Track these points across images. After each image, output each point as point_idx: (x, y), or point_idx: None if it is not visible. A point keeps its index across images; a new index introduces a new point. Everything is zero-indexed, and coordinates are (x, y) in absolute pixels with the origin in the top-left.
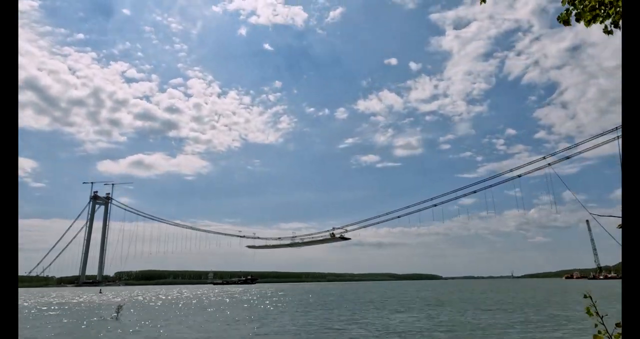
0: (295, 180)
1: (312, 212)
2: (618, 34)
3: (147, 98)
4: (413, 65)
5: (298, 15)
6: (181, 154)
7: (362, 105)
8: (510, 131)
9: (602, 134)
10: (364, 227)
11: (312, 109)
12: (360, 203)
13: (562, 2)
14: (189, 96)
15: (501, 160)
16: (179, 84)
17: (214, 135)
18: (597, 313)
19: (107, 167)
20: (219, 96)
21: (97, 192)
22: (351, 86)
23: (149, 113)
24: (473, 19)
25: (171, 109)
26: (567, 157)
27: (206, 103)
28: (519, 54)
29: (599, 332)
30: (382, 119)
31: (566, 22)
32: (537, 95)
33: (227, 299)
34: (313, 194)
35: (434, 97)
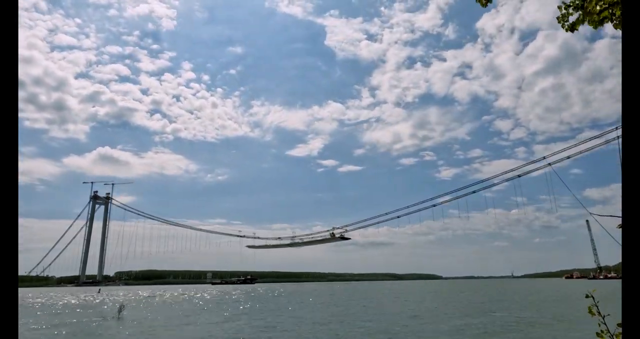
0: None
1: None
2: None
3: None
4: None
5: None
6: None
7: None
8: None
9: (602, 134)
10: (364, 227)
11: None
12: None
13: (562, 7)
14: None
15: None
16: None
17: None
18: (598, 313)
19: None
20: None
21: (97, 192)
22: None
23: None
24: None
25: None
26: (568, 157)
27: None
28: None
29: (602, 331)
30: None
31: (572, 28)
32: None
33: (227, 299)
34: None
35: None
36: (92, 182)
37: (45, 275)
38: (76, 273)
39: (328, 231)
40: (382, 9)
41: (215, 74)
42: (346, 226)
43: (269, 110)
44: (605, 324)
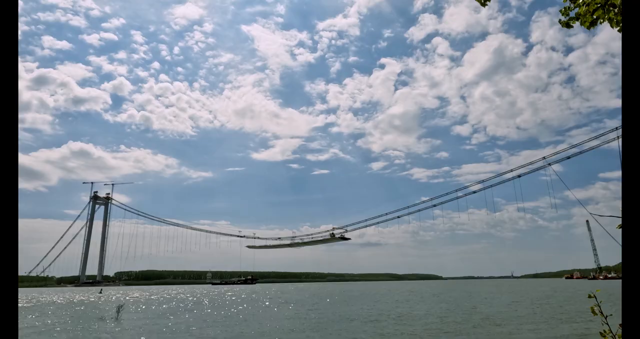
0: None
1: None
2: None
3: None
4: None
5: None
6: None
7: None
8: None
9: (602, 134)
10: (364, 227)
11: None
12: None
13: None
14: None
15: None
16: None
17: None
18: (601, 313)
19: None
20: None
21: (97, 192)
22: None
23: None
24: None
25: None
26: (568, 157)
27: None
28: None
29: (604, 331)
30: None
31: (568, 25)
32: None
33: (226, 299)
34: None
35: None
36: (92, 182)
37: (45, 275)
38: (76, 273)
39: (328, 231)
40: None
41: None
42: (346, 226)
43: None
44: (607, 324)
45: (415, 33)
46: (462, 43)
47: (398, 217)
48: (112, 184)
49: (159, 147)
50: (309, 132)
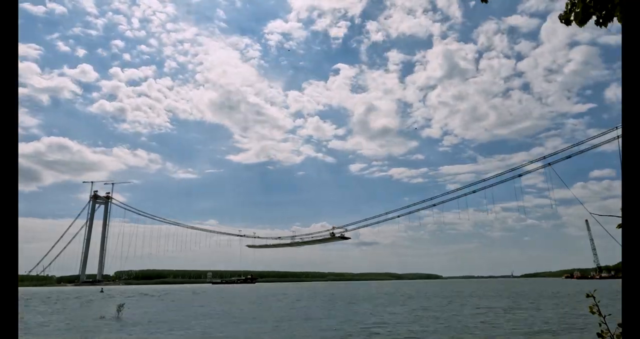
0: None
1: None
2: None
3: None
4: None
5: None
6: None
7: None
8: None
9: (602, 134)
10: (364, 226)
11: None
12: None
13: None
14: None
15: None
16: None
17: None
18: (599, 313)
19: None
20: None
21: (97, 191)
22: None
23: None
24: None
25: None
26: (568, 157)
27: None
28: None
29: (602, 331)
30: None
31: (568, 21)
32: None
33: (226, 298)
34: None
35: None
36: (92, 182)
37: (45, 275)
38: (76, 272)
39: (326, 230)
40: None
41: None
42: (346, 225)
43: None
44: (606, 323)
45: (364, 39)
46: (413, 48)
47: (398, 216)
48: (112, 184)
49: (137, 142)
50: (281, 134)
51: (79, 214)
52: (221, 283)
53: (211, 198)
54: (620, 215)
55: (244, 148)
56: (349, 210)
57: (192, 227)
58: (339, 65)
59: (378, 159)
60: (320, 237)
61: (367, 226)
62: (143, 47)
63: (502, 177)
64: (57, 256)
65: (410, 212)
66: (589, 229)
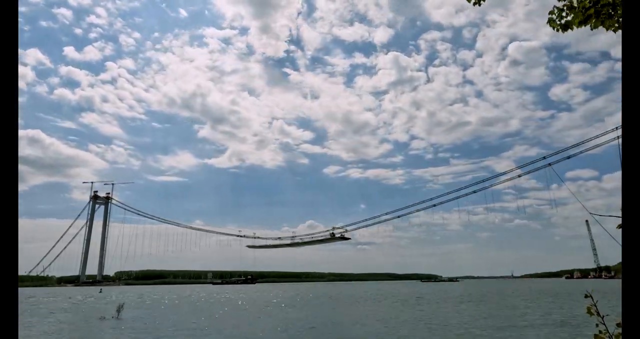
0: None
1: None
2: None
3: None
4: None
5: None
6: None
7: None
8: None
9: (602, 134)
10: (364, 227)
11: None
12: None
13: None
14: None
15: None
16: None
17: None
18: (597, 313)
19: None
20: None
21: (97, 191)
22: None
23: None
24: None
25: None
26: (568, 157)
27: None
28: None
29: (600, 332)
30: None
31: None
32: None
33: (227, 298)
34: None
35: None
36: (92, 182)
37: (45, 275)
38: (76, 272)
39: (328, 230)
40: None
41: None
42: (346, 226)
43: None
44: (604, 324)
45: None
46: (363, 54)
47: (398, 217)
48: (112, 184)
49: (112, 134)
50: (252, 138)
51: (79, 215)
52: (221, 283)
53: (194, 198)
54: (620, 215)
55: (220, 150)
56: (335, 211)
57: (192, 228)
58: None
59: (354, 162)
60: (320, 238)
61: (367, 226)
62: (94, 18)
63: (502, 178)
64: (57, 256)
65: (409, 213)
66: (589, 229)
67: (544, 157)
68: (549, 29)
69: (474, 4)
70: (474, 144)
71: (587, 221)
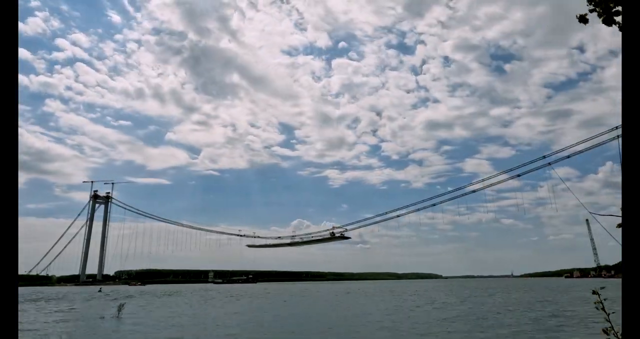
0: None
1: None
2: None
3: None
4: None
5: None
6: None
7: None
8: None
9: (602, 134)
10: (364, 226)
11: None
12: None
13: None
14: None
15: None
16: None
17: None
18: (604, 310)
19: None
20: None
21: (97, 191)
22: None
23: None
24: None
25: None
26: (568, 157)
27: None
28: None
29: (607, 329)
30: None
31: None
32: None
33: (227, 298)
34: None
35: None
36: (92, 181)
37: (45, 274)
38: (76, 272)
39: (327, 230)
40: None
41: None
42: (346, 225)
43: None
44: (609, 321)
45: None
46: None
47: (398, 216)
48: (112, 183)
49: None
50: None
51: (79, 214)
52: (222, 282)
53: (176, 197)
54: (620, 215)
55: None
56: (321, 211)
57: (192, 227)
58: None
59: (332, 165)
60: (321, 237)
61: (367, 225)
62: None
63: (500, 178)
64: (57, 255)
65: (408, 213)
66: (589, 228)
67: (544, 157)
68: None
69: None
70: (441, 146)
71: (587, 220)
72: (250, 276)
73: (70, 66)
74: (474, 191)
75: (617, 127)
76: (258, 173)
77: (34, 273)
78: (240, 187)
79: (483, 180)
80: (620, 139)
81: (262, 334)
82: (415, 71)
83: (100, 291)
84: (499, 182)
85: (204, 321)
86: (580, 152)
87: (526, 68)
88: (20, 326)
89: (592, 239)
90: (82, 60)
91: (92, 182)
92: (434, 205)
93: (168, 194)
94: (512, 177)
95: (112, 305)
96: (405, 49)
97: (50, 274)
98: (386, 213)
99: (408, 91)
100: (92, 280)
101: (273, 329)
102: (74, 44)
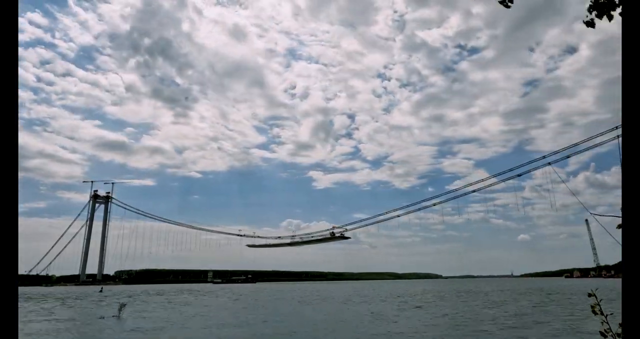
0: None
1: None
2: None
3: None
4: None
5: None
6: None
7: None
8: None
9: (601, 134)
10: (364, 226)
11: None
12: None
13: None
14: None
15: None
16: None
17: None
18: (601, 312)
19: None
20: None
21: (97, 191)
22: None
23: None
24: None
25: None
26: (567, 157)
27: None
28: None
29: (605, 330)
30: None
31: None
32: None
33: (228, 298)
34: None
35: None
36: (92, 181)
37: (45, 274)
38: (76, 272)
39: (327, 230)
40: None
41: None
42: (346, 225)
43: None
44: (607, 323)
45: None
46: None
47: (398, 216)
48: (112, 183)
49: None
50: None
51: (79, 214)
52: (222, 282)
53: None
54: (620, 215)
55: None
56: (308, 211)
57: (192, 227)
58: None
59: (314, 167)
60: (320, 237)
61: (366, 225)
62: None
63: (502, 177)
64: (57, 255)
65: (408, 212)
66: (588, 228)
67: (544, 157)
68: None
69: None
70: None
71: (586, 220)
72: (250, 276)
73: None
74: (473, 191)
75: (617, 127)
76: (238, 174)
77: (34, 272)
78: (222, 188)
79: (483, 180)
80: (620, 139)
81: (262, 335)
82: None
83: (101, 291)
84: (498, 183)
85: (204, 321)
86: (581, 151)
87: None
88: (20, 326)
89: (591, 239)
90: None
91: (92, 182)
92: (434, 205)
93: (152, 195)
94: (512, 177)
95: (113, 305)
96: None
97: (50, 274)
98: (386, 213)
99: None
100: (92, 280)
101: (273, 329)
102: None
